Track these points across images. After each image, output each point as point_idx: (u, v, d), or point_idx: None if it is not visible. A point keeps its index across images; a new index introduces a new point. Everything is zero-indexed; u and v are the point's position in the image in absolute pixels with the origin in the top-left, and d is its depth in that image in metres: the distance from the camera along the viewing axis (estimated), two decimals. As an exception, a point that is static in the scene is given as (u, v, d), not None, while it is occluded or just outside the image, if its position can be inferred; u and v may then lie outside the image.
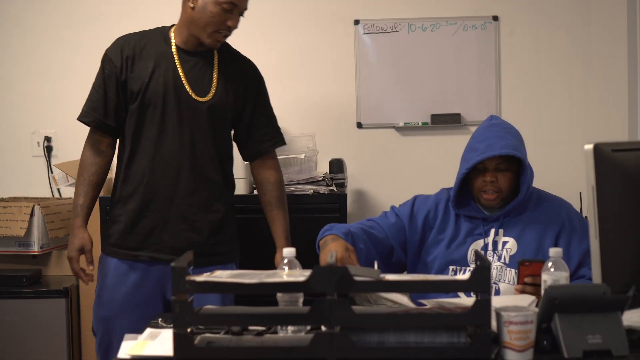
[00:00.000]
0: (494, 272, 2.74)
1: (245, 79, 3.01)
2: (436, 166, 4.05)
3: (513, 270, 2.73)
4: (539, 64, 4.11)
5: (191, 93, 2.90)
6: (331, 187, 3.55)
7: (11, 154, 4.14)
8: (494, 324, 2.03)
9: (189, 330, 2.05)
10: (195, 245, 2.84)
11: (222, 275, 2.10)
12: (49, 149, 4.12)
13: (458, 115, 4.05)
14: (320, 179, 3.58)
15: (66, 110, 4.08)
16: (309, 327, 2.24)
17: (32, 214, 3.69)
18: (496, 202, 2.81)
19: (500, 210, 2.82)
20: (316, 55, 4.10)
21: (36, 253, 3.74)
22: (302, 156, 3.59)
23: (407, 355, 2.03)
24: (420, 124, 4.07)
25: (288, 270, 2.23)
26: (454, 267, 2.80)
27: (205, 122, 2.92)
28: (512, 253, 2.75)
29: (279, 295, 2.23)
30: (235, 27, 2.91)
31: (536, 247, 2.75)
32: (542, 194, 2.89)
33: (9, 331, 3.62)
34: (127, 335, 2.25)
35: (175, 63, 2.91)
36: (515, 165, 2.80)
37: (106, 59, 2.94)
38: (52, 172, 4.11)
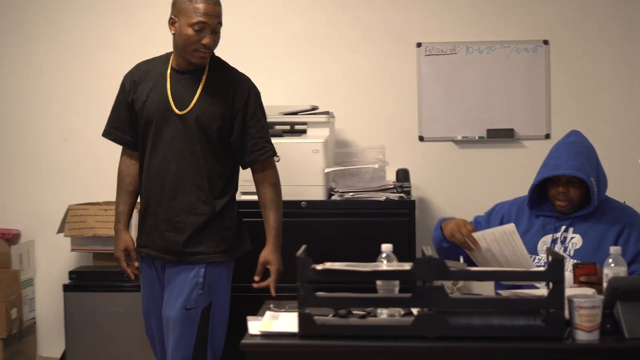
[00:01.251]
0: None
1: (232, 93, 3.31)
2: (492, 176, 4.43)
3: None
4: (587, 83, 4.44)
5: (173, 107, 3.28)
6: (401, 194, 3.94)
7: (107, 162, 4.49)
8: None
9: (307, 311, 2.46)
10: (175, 244, 3.28)
11: (335, 265, 2.52)
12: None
13: (511, 130, 4.43)
14: (391, 186, 3.97)
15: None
16: (402, 312, 2.64)
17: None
18: (567, 209, 3.22)
19: (572, 214, 3.23)
20: (383, 75, 4.49)
21: (133, 251, 4.16)
22: (376, 166, 3.98)
23: (491, 334, 2.43)
24: (477, 137, 4.45)
25: (387, 263, 2.64)
26: None
27: (189, 133, 3.27)
28: (577, 247, 3.16)
29: (379, 283, 2.62)
30: (211, 44, 3.23)
31: (598, 244, 3.15)
32: (612, 203, 3.28)
33: (113, 320, 4.05)
34: (250, 317, 2.66)
35: (167, 82, 3.32)
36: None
37: (121, 83, 3.43)
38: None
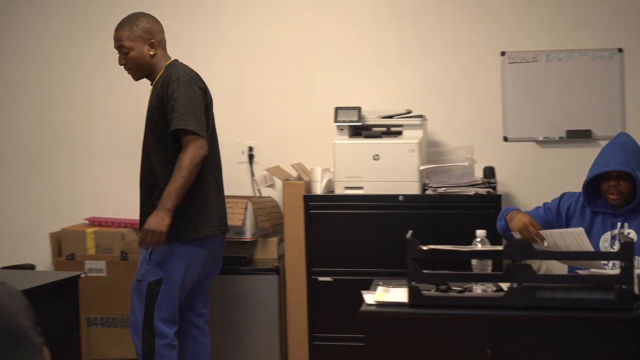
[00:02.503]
0: None
1: (159, 84, 3.82)
2: (570, 173, 4.75)
3: None
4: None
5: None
6: (488, 190, 4.38)
7: (222, 161, 5.12)
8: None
9: (415, 284, 2.95)
10: (142, 224, 3.79)
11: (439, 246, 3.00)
12: (251, 157, 5.08)
13: (589, 131, 4.82)
14: (479, 182, 4.42)
15: (263, 125, 5.07)
16: (494, 288, 3.10)
17: (246, 209, 4.64)
18: (619, 202, 3.57)
19: (624, 207, 3.60)
20: (470, 81, 4.91)
21: (247, 240, 4.68)
22: (466, 164, 4.44)
23: (572, 305, 2.89)
24: (557, 138, 4.86)
25: (481, 245, 3.11)
26: None
27: (147, 128, 3.88)
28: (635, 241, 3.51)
29: (474, 262, 3.10)
30: (121, 63, 3.91)
31: None
32: None
33: (233, 301, 4.59)
34: (363, 291, 3.16)
35: None
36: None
37: (199, 88, 3.91)
38: (253, 175, 5.06)
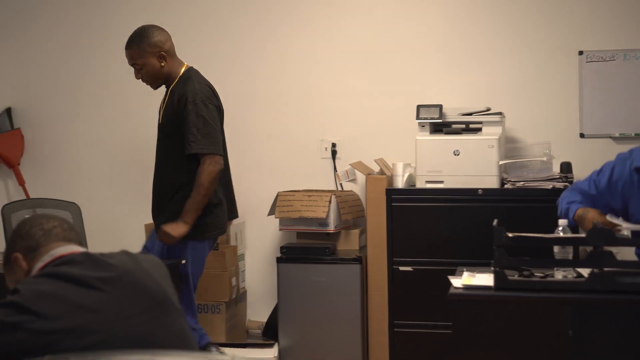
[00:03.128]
0: None
1: (176, 100, 4.07)
2: (646, 169, 4.94)
3: None
4: None
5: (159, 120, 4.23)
6: (565, 184, 4.52)
7: (306, 156, 5.32)
8: None
9: (499, 269, 3.13)
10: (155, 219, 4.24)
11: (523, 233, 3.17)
12: (334, 153, 5.30)
13: (665, 126, 4.95)
14: (557, 177, 4.56)
15: (346, 122, 5.28)
16: (575, 275, 3.26)
17: (330, 202, 4.86)
18: None
19: None
20: (547, 79, 5.04)
21: (331, 231, 4.89)
22: (544, 159, 4.60)
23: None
24: (632, 134, 4.97)
25: (563, 234, 3.27)
26: None
27: (161, 131, 4.20)
28: None
29: (556, 250, 3.25)
30: (137, 78, 4.23)
31: None
32: None
33: (318, 289, 4.81)
34: (450, 276, 3.35)
35: None
36: None
37: (214, 106, 4.19)
38: (336, 170, 5.28)
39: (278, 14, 5.40)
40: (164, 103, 4.21)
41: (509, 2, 5.10)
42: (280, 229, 5.04)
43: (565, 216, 3.62)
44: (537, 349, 3.12)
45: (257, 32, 5.41)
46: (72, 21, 5.69)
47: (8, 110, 5.74)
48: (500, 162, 4.57)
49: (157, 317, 2.08)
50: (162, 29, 4.24)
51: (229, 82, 5.28)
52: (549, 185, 4.49)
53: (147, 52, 4.14)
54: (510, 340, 3.18)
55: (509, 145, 4.85)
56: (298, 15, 5.38)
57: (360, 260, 4.80)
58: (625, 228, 3.43)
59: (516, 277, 3.22)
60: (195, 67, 4.28)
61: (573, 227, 3.74)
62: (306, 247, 4.91)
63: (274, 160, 5.41)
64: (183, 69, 4.21)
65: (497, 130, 4.66)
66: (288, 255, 4.89)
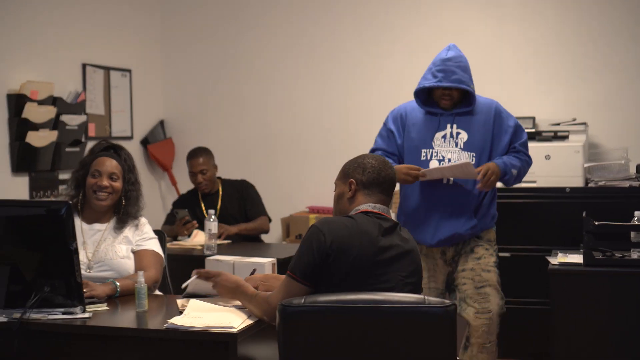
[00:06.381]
0: (454, 155, 4.10)
1: None
2: None
3: (466, 152, 4.10)
4: None
5: None
6: (640, 182, 5.36)
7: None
8: None
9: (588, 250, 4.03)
10: None
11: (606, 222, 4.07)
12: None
13: None
14: (634, 177, 5.39)
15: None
16: (648, 256, 4.13)
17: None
18: (449, 106, 4.13)
19: (452, 111, 4.13)
20: (625, 92, 5.80)
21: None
22: (622, 162, 5.44)
23: None
24: (703, 138, 5.77)
25: (638, 222, 4.15)
26: (424, 150, 4.15)
27: None
28: (464, 140, 4.15)
29: (633, 234, 4.12)
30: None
31: (483, 135, 4.14)
32: (480, 100, 4.20)
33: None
34: (548, 256, 4.26)
35: None
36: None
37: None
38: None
39: (386, 35, 6.31)
40: None
41: (596, 30, 5.88)
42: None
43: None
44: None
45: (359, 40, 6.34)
46: (218, 51, 6.74)
47: (162, 123, 6.82)
48: (585, 165, 5.42)
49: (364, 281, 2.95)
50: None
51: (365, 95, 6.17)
52: (626, 184, 5.31)
53: (213, 165, 5.89)
54: (600, 312, 4.09)
55: (592, 151, 5.70)
56: (404, 35, 6.28)
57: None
58: (437, 169, 4.02)
59: (600, 256, 4.12)
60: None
61: None
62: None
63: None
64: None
65: (582, 137, 5.51)
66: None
